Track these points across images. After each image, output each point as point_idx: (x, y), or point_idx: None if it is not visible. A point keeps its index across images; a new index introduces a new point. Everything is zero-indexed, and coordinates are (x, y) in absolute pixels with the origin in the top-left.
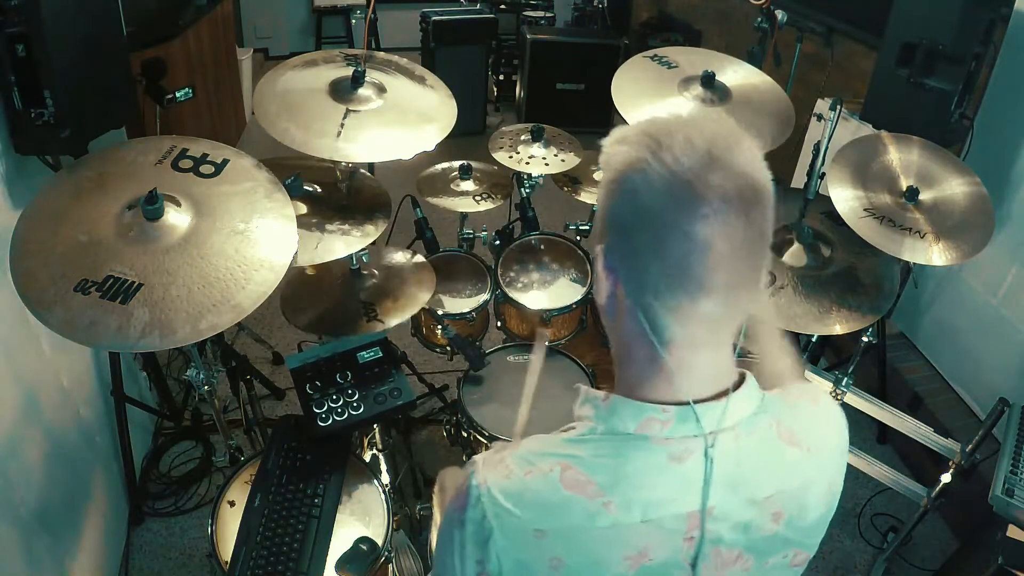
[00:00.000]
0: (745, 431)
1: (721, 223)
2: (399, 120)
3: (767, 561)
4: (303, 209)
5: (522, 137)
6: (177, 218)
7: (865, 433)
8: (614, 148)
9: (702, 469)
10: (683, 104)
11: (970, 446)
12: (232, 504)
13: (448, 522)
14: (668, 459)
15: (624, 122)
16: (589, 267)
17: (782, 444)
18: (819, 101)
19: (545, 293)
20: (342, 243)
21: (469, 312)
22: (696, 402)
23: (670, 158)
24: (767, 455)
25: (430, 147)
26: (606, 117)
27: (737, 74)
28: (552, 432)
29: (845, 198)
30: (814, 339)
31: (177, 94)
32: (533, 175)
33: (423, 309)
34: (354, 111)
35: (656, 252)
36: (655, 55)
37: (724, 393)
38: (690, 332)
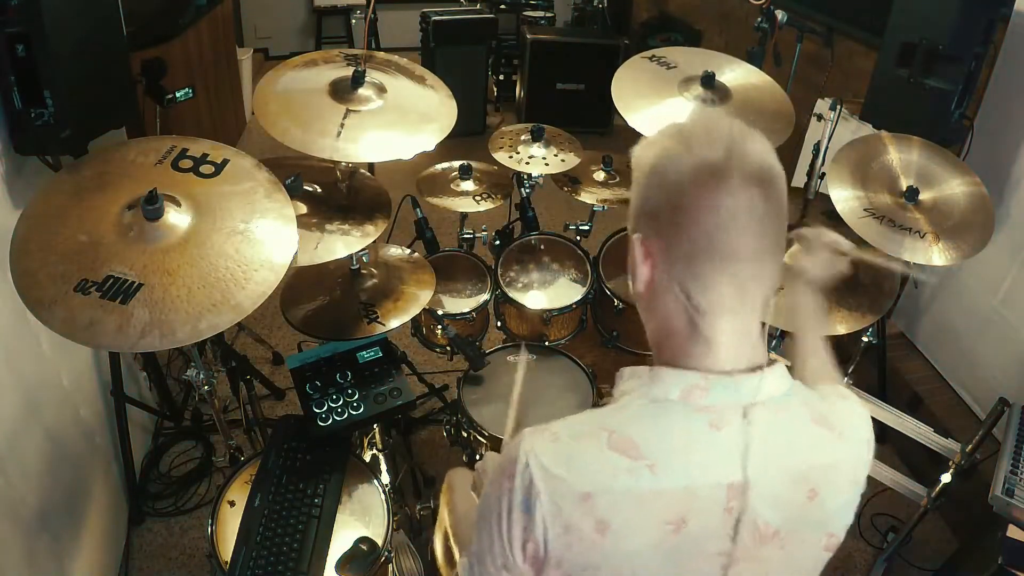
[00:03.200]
0: (779, 408)
1: (745, 197)
2: (399, 120)
3: (803, 541)
4: (303, 209)
5: (522, 137)
6: (177, 218)
7: None
8: (643, 151)
9: (739, 439)
10: (683, 104)
11: (970, 446)
12: (232, 504)
13: (494, 492)
14: (708, 426)
15: (625, 123)
16: (589, 267)
17: (814, 425)
18: (819, 101)
19: (545, 293)
20: (342, 243)
21: (469, 312)
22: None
23: (695, 145)
24: (801, 432)
25: (430, 147)
26: (606, 117)
27: (737, 74)
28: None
29: (845, 198)
30: None
31: (177, 94)
32: (533, 175)
33: (423, 309)
34: (354, 111)
35: (687, 224)
36: (653, 55)
37: (758, 368)
38: (720, 299)
